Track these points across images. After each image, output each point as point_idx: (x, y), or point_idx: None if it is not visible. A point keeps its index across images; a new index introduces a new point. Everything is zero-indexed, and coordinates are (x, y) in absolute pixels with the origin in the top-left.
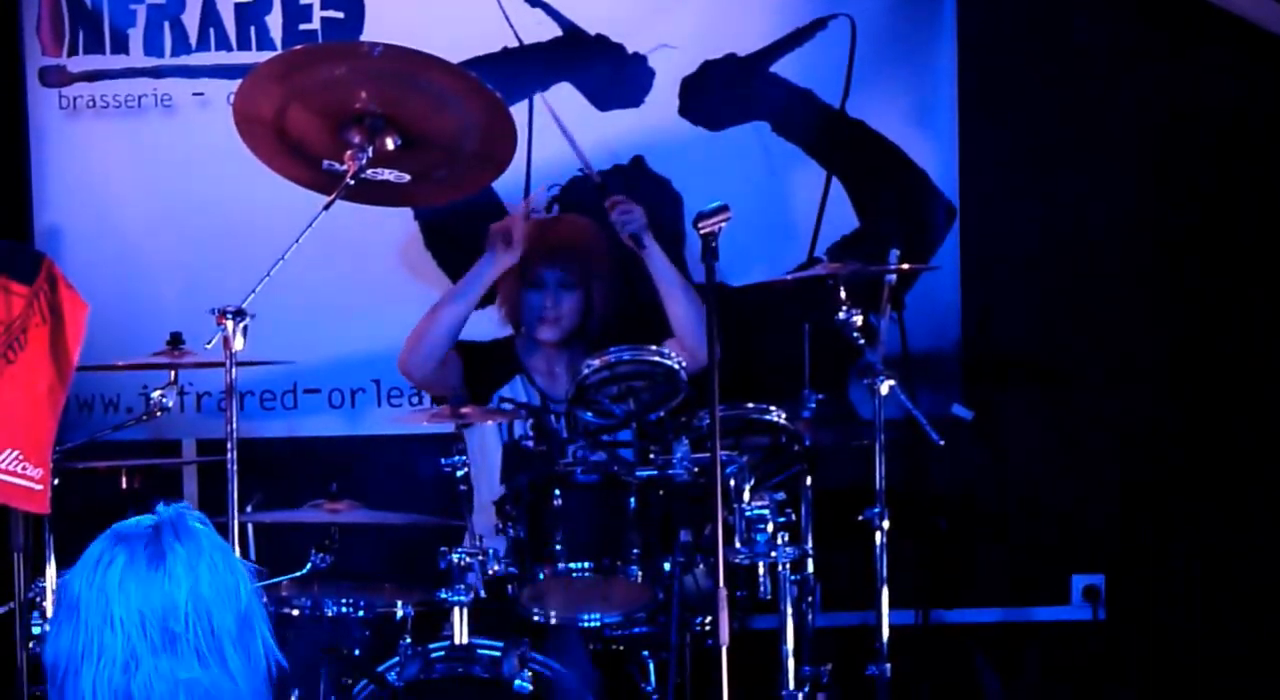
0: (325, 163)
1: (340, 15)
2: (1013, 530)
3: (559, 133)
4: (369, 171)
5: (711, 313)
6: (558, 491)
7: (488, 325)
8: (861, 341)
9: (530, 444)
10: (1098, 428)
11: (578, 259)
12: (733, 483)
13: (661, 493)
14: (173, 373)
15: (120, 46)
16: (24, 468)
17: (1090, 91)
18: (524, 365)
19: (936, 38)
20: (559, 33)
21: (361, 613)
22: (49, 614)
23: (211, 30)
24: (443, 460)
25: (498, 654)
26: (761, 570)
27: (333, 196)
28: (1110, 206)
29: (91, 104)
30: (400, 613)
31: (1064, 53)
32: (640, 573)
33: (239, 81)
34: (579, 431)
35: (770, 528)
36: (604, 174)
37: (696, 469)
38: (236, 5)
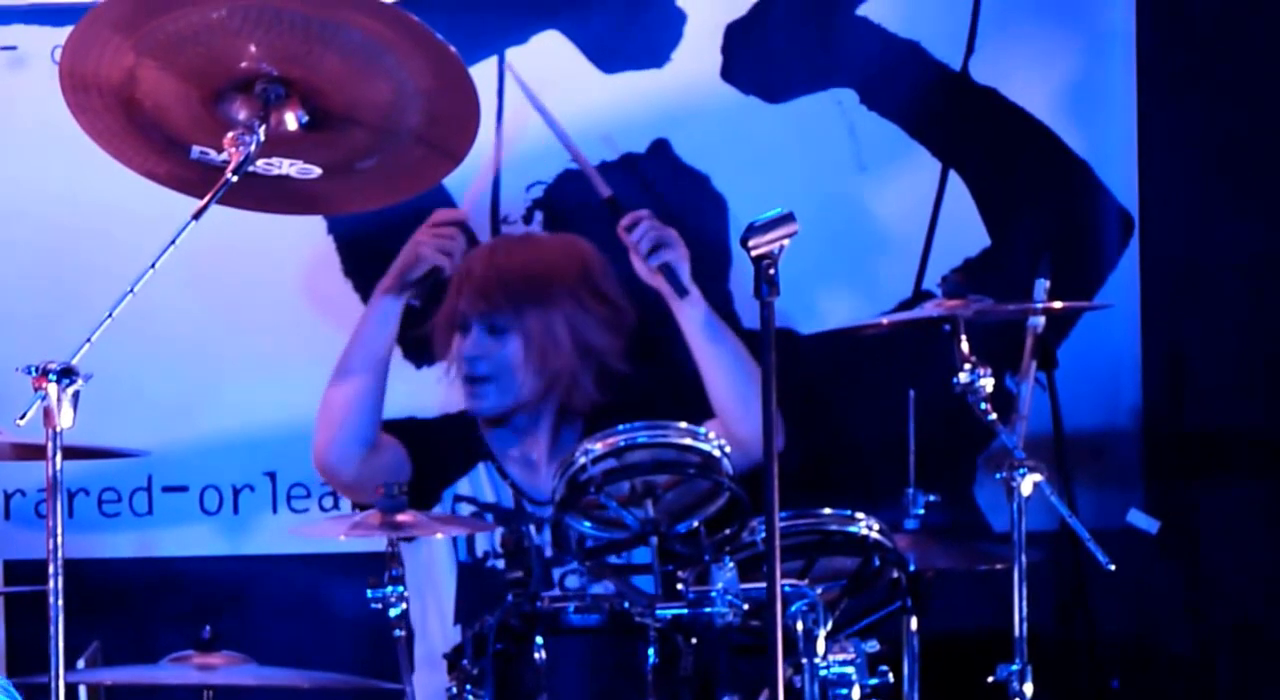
0: (196, 150)
1: None
2: (1220, 690)
3: (544, 101)
4: (260, 163)
5: (769, 374)
6: (541, 639)
7: (435, 393)
8: (993, 417)
9: (499, 565)
10: None
11: (511, 294)
12: (800, 626)
13: (694, 641)
14: None
15: None
16: None
17: None
18: (491, 448)
19: None
20: None
21: None
22: None
23: None
24: (370, 592)
25: None
26: None
27: (206, 200)
28: None
29: None
30: None
31: None
32: None
33: (68, 29)
34: (572, 549)
35: (856, 694)
36: (606, 168)
37: (746, 606)
38: None
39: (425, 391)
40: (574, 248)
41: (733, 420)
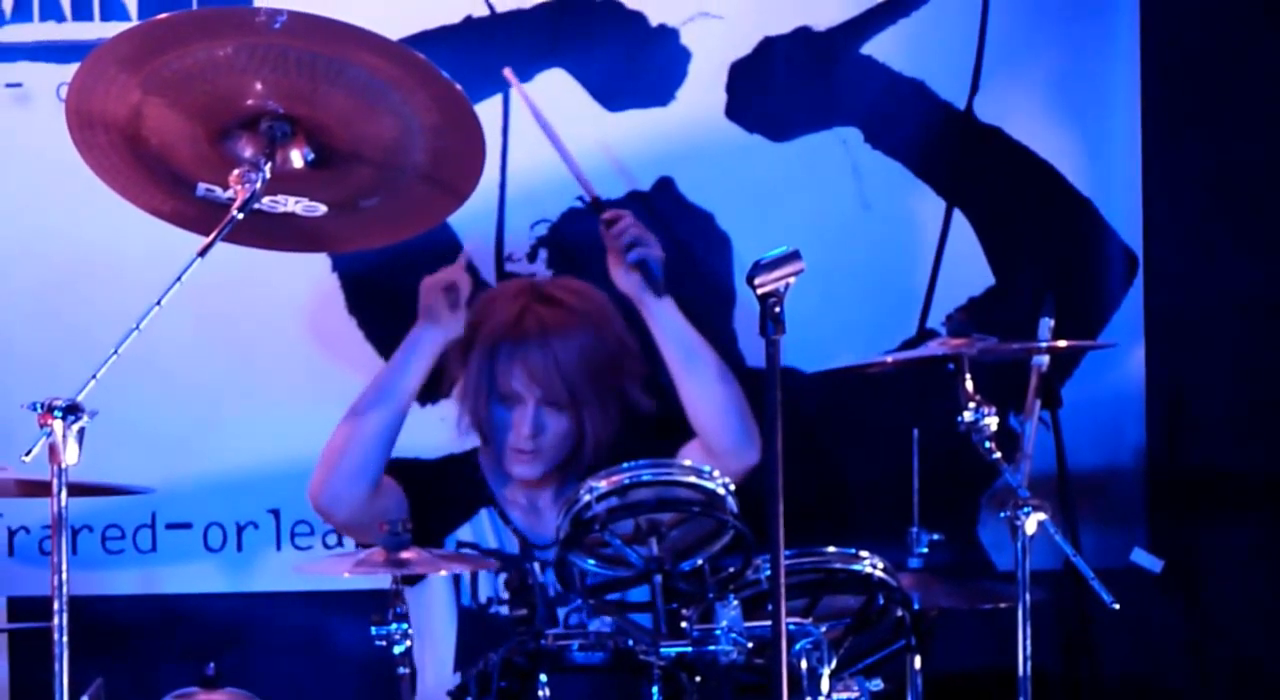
0: (202, 187)
1: None
2: None
3: (546, 139)
4: (265, 200)
5: (774, 413)
6: (545, 676)
7: (439, 432)
8: (997, 455)
9: (503, 611)
10: None
11: (567, 373)
12: (805, 665)
13: (699, 680)
14: None
15: None
16: None
17: None
18: (494, 493)
19: (1108, 4)
20: None
21: None
22: None
23: None
24: (374, 630)
25: None
26: None
27: (212, 237)
28: None
29: None
30: None
31: None
32: None
33: (74, 67)
34: (576, 588)
35: None
36: (611, 205)
37: (750, 644)
38: None
39: (429, 430)
40: (605, 311)
41: (709, 430)
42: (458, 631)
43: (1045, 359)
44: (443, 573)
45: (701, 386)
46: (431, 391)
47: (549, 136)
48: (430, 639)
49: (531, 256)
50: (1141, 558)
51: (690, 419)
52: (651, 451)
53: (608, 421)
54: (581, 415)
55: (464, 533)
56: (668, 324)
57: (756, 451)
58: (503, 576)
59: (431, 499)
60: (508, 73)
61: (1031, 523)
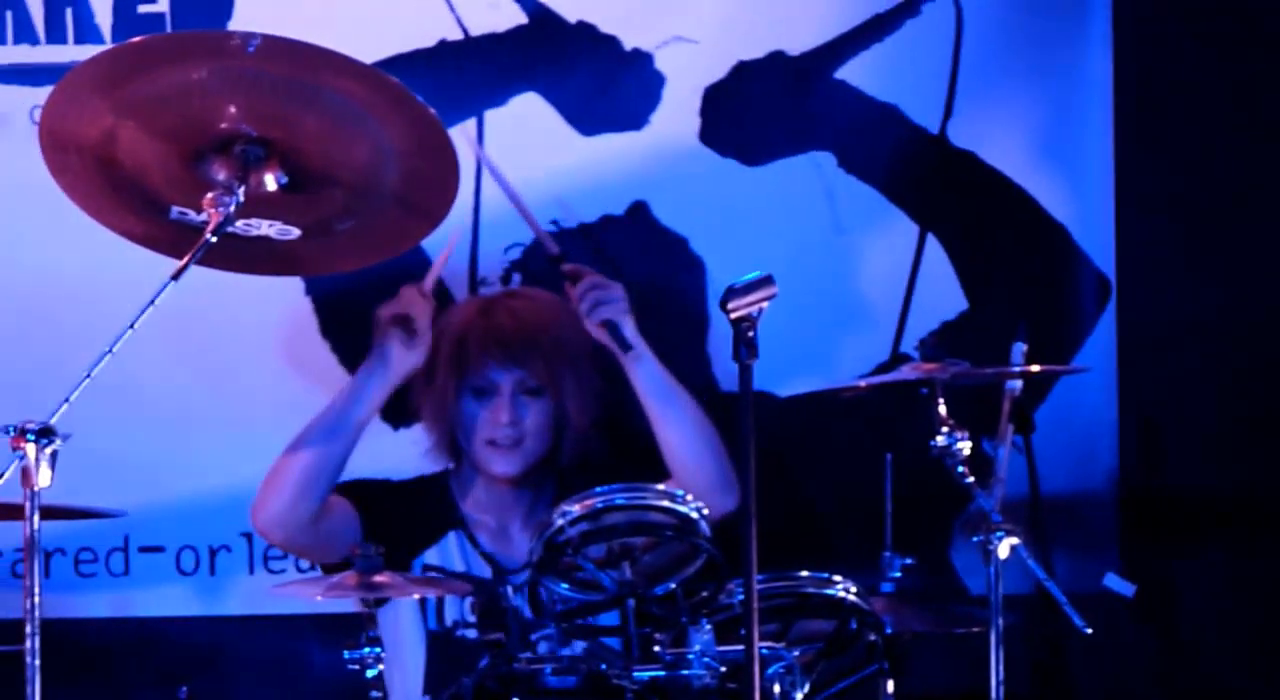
0: (175, 210)
1: None
2: None
3: (523, 163)
4: (239, 223)
5: (748, 437)
6: None
7: (411, 455)
8: (970, 480)
9: (470, 634)
10: None
11: (543, 352)
12: (777, 689)
13: None
14: None
15: None
16: None
17: None
18: (463, 517)
19: (1082, 32)
20: (523, 19)
21: None
22: None
23: (7, 14)
24: (346, 653)
25: None
26: None
27: (186, 260)
28: None
29: None
30: None
31: (1270, 59)
32: None
33: (48, 90)
34: (549, 612)
35: None
36: (584, 229)
37: (723, 669)
38: None
39: (398, 453)
40: (563, 307)
41: (687, 476)
42: (426, 654)
43: (1019, 383)
44: (413, 597)
45: (679, 434)
46: (404, 414)
47: (510, 197)
48: (398, 661)
49: (505, 279)
50: (1114, 582)
51: (667, 465)
52: (640, 475)
53: (586, 408)
54: (562, 397)
55: (430, 555)
56: (643, 374)
57: (734, 498)
58: (469, 600)
59: (398, 521)
60: (470, 137)
61: (1004, 547)
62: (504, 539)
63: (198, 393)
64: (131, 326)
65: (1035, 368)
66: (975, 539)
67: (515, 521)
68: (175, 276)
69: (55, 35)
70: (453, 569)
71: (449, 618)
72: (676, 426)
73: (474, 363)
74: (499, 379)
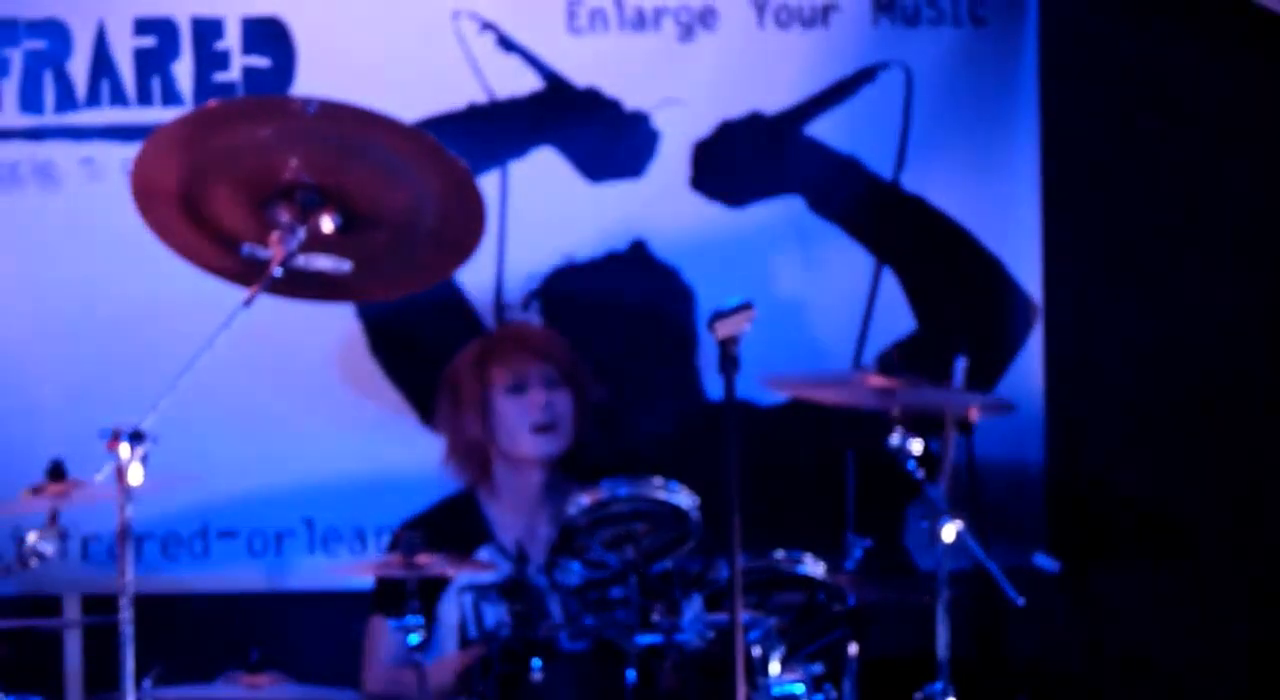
0: (245, 247)
1: (266, 63)
2: None
3: (540, 206)
4: (300, 258)
5: (732, 436)
6: (537, 662)
7: (437, 445)
8: (920, 474)
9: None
10: (1219, 578)
11: (561, 350)
12: (758, 651)
13: (668, 664)
14: (51, 511)
15: None
16: None
17: (1206, 161)
18: (492, 530)
19: (1013, 94)
20: (540, 86)
21: None
22: None
23: (105, 82)
24: (392, 622)
25: None
26: None
27: (254, 289)
28: (1235, 305)
29: None
30: None
31: (1173, 113)
32: None
33: (138, 145)
34: (564, 587)
35: None
36: (593, 265)
37: (712, 634)
38: (136, 51)
39: (428, 443)
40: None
41: None
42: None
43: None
44: (451, 592)
45: None
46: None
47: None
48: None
49: (525, 305)
50: (1042, 560)
51: None
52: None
53: (595, 402)
54: (581, 389)
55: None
56: None
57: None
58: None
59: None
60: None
61: (949, 531)
62: (533, 540)
63: (265, 401)
64: (208, 345)
65: (974, 408)
66: (924, 524)
67: (542, 521)
68: (246, 303)
69: (144, 99)
70: (486, 583)
71: (488, 620)
72: None
73: (508, 362)
74: (530, 372)
